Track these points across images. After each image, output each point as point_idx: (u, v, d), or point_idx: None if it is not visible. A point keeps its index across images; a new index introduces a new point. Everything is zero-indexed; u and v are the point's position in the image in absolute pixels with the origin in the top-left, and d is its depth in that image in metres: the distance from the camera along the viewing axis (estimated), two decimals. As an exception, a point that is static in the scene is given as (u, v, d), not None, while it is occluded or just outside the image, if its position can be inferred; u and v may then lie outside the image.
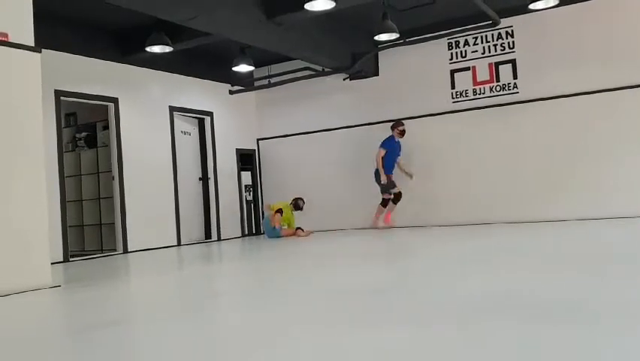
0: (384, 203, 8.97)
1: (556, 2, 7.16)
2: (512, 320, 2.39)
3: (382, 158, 8.78)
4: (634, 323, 2.21)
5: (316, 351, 2.15)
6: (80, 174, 9.74)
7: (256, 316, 3.02)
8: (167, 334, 2.70)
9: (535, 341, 2.01)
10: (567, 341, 2.00)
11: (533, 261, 4.35)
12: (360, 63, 9.19)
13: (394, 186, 8.85)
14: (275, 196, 10.48)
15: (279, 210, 9.17)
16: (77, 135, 9.87)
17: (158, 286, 4.77)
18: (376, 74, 9.68)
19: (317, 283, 4.03)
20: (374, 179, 8.96)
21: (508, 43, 8.58)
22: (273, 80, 10.25)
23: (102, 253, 8.66)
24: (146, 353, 2.40)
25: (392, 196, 8.88)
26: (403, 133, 8.86)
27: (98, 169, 9.51)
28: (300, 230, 9.25)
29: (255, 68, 9.62)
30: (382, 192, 8.92)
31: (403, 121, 8.97)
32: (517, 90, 8.50)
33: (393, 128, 8.93)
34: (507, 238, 6.44)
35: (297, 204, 9.43)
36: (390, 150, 8.84)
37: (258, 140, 10.93)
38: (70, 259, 7.62)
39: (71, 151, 9.77)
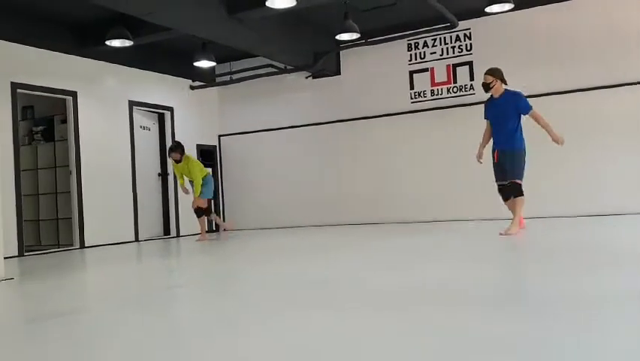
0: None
1: (512, 6, 7.38)
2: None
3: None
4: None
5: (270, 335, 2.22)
6: (37, 168, 9.59)
7: (211, 307, 3.08)
8: (120, 323, 2.74)
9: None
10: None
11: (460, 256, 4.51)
12: (322, 62, 9.28)
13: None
14: (236, 192, 10.53)
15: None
16: (34, 129, 9.72)
17: (112, 279, 4.77)
18: (338, 73, 9.79)
19: (263, 276, 4.11)
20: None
21: (466, 45, 8.79)
22: (234, 77, 10.27)
23: (58, 248, 8.56)
24: (98, 341, 2.44)
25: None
26: (483, 86, 5.98)
27: (55, 163, 9.38)
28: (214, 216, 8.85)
29: (217, 63, 9.65)
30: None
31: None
32: (474, 92, 8.71)
33: None
34: (451, 235, 6.61)
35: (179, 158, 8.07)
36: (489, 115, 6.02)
37: (219, 136, 10.92)
38: (26, 254, 7.52)
39: (28, 145, 9.62)
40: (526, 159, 5.86)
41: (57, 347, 2.28)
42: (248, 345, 2.12)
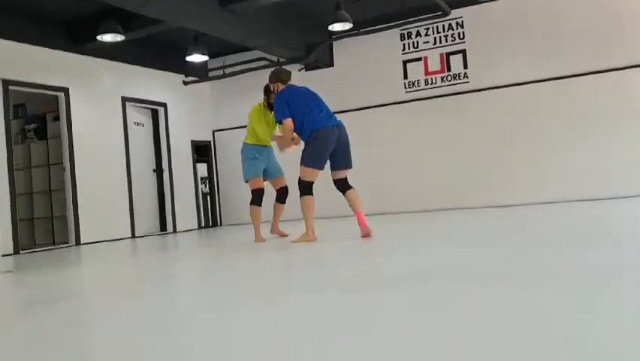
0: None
1: (504, -7, 7.38)
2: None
3: None
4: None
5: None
6: (30, 167, 9.52)
7: (208, 296, 3.06)
8: (116, 309, 2.72)
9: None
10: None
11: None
12: (315, 53, 9.25)
13: None
14: (232, 187, 10.48)
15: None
16: (27, 127, 9.64)
17: (108, 271, 4.74)
18: (331, 64, 9.76)
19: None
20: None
21: (459, 33, 8.78)
22: (227, 71, 10.22)
23: (54, 246, 8.50)
24: (93, 323, 2.42)
25: None
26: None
27: (48, 161, 9.31)
28: None
29: (210, 58, 9.60)
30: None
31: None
32: (468, 80, 8.71)
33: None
34: (447, 222, 6.60)
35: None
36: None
37: (213, 131, 10.88)
38: (21, 252, 7.46)
39: (21, 143, 9.55)
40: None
41: (52, 329, 2.25)
42: (239, 327, 2.10)
